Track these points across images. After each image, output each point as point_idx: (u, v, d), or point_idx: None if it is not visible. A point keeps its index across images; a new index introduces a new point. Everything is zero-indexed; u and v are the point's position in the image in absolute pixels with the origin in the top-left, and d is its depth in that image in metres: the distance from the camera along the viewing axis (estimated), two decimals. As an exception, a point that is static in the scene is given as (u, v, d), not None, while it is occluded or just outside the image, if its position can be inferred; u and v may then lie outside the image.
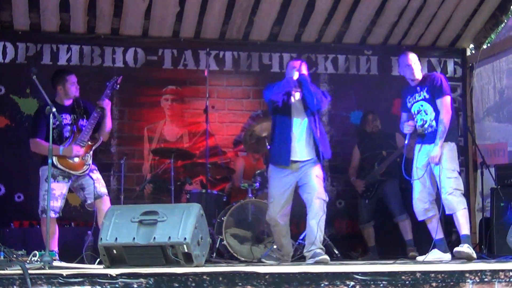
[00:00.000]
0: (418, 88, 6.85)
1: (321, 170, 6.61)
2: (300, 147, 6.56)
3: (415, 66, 6.87)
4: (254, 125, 7.93)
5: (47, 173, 6.31)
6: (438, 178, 6.65)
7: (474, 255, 6.54)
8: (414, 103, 6.87)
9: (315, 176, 6.50)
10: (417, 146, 6.85)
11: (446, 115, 6.62)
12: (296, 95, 6.64)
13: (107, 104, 6.76)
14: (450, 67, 9.62)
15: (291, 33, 9.12)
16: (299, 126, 6.60)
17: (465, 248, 6.49)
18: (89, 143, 6.74)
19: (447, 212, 6.67)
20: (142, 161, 8.83)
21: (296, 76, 6.59)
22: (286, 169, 6.56)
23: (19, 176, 8.39)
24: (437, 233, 6.75)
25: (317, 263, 6.24)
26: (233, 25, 8.91)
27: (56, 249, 6.52)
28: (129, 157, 8.53)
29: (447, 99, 6.69)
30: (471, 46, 9.96)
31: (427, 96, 6.76)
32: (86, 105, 6.91)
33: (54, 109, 5.45)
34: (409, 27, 9.26)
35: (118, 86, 6.91)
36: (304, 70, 6.69)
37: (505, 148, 8.90)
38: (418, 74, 6.87)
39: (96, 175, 6.79)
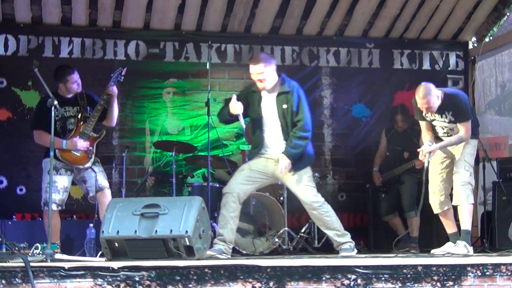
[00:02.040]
0: (436, 111, 6.60)
1: (308, 174, 6.40)
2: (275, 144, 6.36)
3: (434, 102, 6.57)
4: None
5: (48, 165, 6.38)
6: (456, 168, 6.61)
7: (471, 252, 6.57)
8: (434, 120, 6.68)
9: (304, 186, 6.29)
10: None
11: (466, 136, 6.60)
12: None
13: (114, 90, 6.76)
14: (452, 60, 9.60)
15: (292, 26, 9.10)
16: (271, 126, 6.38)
17: (461, 248, 6.50)
18: (93, 135, 6.73)
19: (454, 203, 6.67)
20: (144, 154, 8.83)
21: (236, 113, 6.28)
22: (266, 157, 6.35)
23: (21, 169, 8.40)
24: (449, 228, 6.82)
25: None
26: (235, 18, 8.90)
27: (58, 241, 6.53)
28: (131, 150, 8.54)
29: (469, 123, 6.63)
30: (473, 39, 9.95)
31: (452, 119, 6.61)
32: (91, 96, 6.90)
33: (55, 102, 5.44)
34: (411, 20, 9.24)
35: (122, 78, 6.93)
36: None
37: (506, 142, 8.90)
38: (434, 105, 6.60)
39: (98, 167, 6.79)
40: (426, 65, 9.43)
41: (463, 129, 6.61)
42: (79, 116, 6.76)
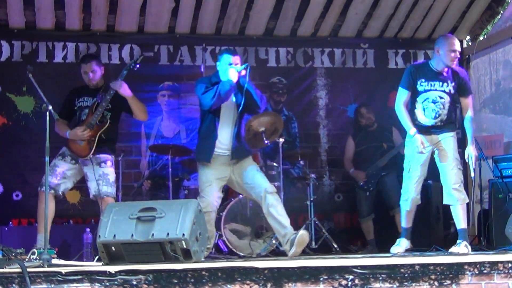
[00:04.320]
0: (441, 77, 6.70)
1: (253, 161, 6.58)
2: (227, 143, 6.45)
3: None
4: (251, 120, 7.89)
5: (59, 151, 6.69)
6: (446, 167, 6.64)
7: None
8: (430, 90, 6.70)
9: (256, 171, 6.43)
10: (421, 136, 6.74)
11: (472, 112, 6.81)
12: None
13: (119, 86, 6.67)
14: (447, 59, 9.59)
15: (287, 28, 9.10)
16: (227, 123, 6.49)
17: (462, 248, 6.51)
18: (98, 124, 6.67)
19: (452, 202, 6.70)
20: (140, 158, 8.82)
21: (235, 78, 6.37)
22: (217, 161, 6.45)
23: (17, 175, 8.39)
24: (410, 223, 6.86)
25: (299, 244, 6.18)
26: (229, 20, 8.89)
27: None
28: (127, 154, 8.49)
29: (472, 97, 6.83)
30: (468, 37, 9.96)
31: (452, 91, 6.68)
32: (109, 87, 6.84)
33: (50, 107, 5.43)
34: (405, 19, 9.25)
35: (137, 66, 6.85)
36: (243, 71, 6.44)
37: (501, 140, 8.91)
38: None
39: (105, 169, 6.70)
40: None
41: (470, 105, 6.76)
42: (92, 107, 6.74)
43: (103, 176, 6.66)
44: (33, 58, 8.53)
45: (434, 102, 6.71)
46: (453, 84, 6.70)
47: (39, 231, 6.50)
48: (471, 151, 6.74)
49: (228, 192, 8.31)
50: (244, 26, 9.02)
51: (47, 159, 5.33)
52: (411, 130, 6.65)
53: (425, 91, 6.71)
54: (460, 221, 6.70)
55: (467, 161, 6.76)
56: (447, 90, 6.69)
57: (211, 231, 6.42)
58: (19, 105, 8.49)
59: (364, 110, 8.63)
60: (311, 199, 8.03)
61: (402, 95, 6.77)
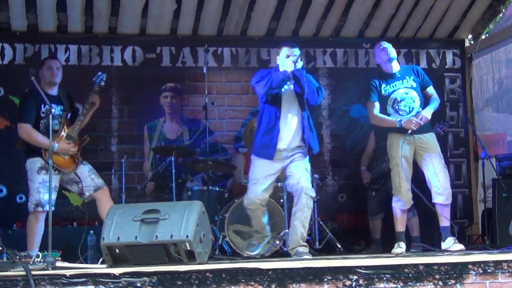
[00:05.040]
0: (397, 75, 6.91)
1: (309, 165, 6.52)
2: (287, 139, 6.44)
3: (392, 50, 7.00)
4: (254, 121, 7.90)
5: (36, 165, 6.33)
6: (434, 167, 6.71)
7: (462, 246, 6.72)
8: (394, 91, 6.89)
9: (305, 169, 6.39)
10: (400, 136, 6.83)
11: (439, 99, 7.01)
12: (289, 86, 6.50)
13: (97, 99, 6.57)
14: (449, 58, 9.60)
15: (288, 28, 9.11)
16: (289, 119, 6.46)
17: (456, 244, 6.59)
18: (80, 138, 6.54)
19: (445, 202, 6.82)
20: (143, 159, 8.83)
21: (290, 67, 6.39)
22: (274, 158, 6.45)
23: (20, 177, 8.29)
24: (403, 226, 7.02)
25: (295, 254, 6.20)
26: (231, 22, 8.90)
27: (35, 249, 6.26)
28: (130, 156, 8.52)
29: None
30: (470, 36, 9.95)
31: (414, 85, 6.84)
32: (72, 99, 6.74)
33: (53, 110, 5.43)
34: (406, 19, 9.25)
35: (103, 82, 6.68)
36: (300, 63, 6.47)
37: (504, 138, 8.90)
38: (395, 57, 7.03)
39: (88, 166, 6.59)
40: (423, 64, 9.41)
41: (434, 92, 6.95)
42: (65, 117, 6.55)
43: (91, 170, 6.59)
44: (36, 60, 8.50)
45: (402, 100, 6.86)
46: (412, 77, 6.90)
47: (33, 248, 6.27)
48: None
49: (232, 193, 8.34)
50: (246, 27, 9.03)
51: (50, 162, 5.33)
52: (395, 121, 6.81)
53: (389, 94, 6.90)
54: (444, 220, 6.84)
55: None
56: (409, 86, 6.88)
57: (261, 228, 6.57)
58: (22, 108, 8.48)
59: None
60: (315, 200, 8.00)
61: (371, 107, 7.02)
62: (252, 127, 7.85)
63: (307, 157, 6.53)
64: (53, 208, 6.23)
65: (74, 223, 8.17)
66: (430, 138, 6.84)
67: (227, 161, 8.73)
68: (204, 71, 7.96)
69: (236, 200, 7.71)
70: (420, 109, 6.83)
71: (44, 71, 6.58)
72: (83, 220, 8.06)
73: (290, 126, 6.46)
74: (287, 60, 6.44)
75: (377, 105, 6.95)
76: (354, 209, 8.97)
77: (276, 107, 6.45)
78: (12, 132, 8.42)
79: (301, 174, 6.35)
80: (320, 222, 8.04)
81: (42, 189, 6.12)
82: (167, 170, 8.35)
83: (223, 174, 8.80)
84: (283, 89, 6.48)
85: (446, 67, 9.55)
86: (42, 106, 6.41)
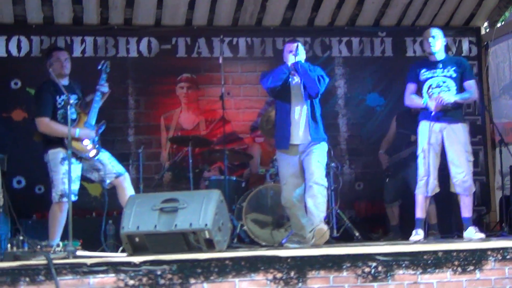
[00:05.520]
0: (440, 64, 6.87)
1: (323, 154, 6.61)
2: (299, 131, 6.58)
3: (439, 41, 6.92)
4: (270, 110, 7.92)
5: (59, 155, 6.36)
6: (455, 158, 6.70)
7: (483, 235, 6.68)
8: (432, 77, 6.86)
9: (316, 162, 6.50)
10: (428, 123, 6.83)
11: (476, 95, 6.96)
12: (295, 79, 6.65)
13: (109, 88, 6.62)
14: (465, 46, 9.56)
15: (304, 18, 9.10)
16: (298, 111, 6.61)
17: (477, 233, 6.60)
18: (98, 125, 6.59)
19: (464, 193, 6.78)
20: (160, 150, 8.86)
21: (291, 61, 6.60)
22: (290, 152, 6.59)
23: (38, 168, 8.31)
24: (423, 213, 6.89)
25: (317, 235, 6.27)
26: (246, 12, 8.90)
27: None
28: (147, 146, 8.54)
29: (475, 83, 6.96)
30: (485, 24, 9.89)
31: (454, 75, 6.79)
32: (80, 88, 6.77)
33: (72, 101, 5.46)
34: (422, 7, 9.21)
35: (108, 69, 6.70)
36: (301, 53, 6.67)
37: (521, 126, 8.88)
38: (440, 49, 6.92)
39: (106, 153, 6.64)
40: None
41: (473, 86, 6.85)
42: (80, 106, 6.59)
43: (111, 157, 6.64)
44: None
45: (438, 87, 6.82)
46: (454, 68, 6.83)
47: (55, 238, 6.31)
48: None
49: (249, 182, 8.36)
50: (261, 17, 9.03)
51: (69, 151, 5.37)
52: (421, 101, 6.84)
53: (427, 78, 6.87)
54: (465, 211, 6.81)
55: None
56: (448, 75, 6.81)
57: (300, 229, 6.63)
58: (40, 100, 8.53)
59: None
60: (332, 188, 8.03)
61: (407, 89, 7.06)
62: (268, 117, 7.88)
63: (324, 149, 6.61)
64: (76, 198, 6.40)
65: (93, 213, 8.22)
66: (457, 129, 6.79)
67: (243, 150, 8.75)
68: (220, 61, 7.97)
69: (253, 189, 7.74)
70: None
71: (53, 63, 6.57)
72: (102, 210, 8.16)
73: (300, 119, 6.60)
74: (289, 55, 6.66)
75: (411, 86, 6.98)
76: (371, 197, 8.96)
77: (286, 101, 6.65)
78: (30, 123, 8.46)
79: (312, 164, 6.49)
80: (338, 211, 8.06)
81: (66, 179, 6.07)
82: (184, 160, 8.39)
83: (240, 164, 8.82)
84: (291, 83, 6.65)
85: (462, 55, 9.48)
86: (58, 97, 6.46)
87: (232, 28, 9.05)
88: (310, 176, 6.45)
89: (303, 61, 6.63)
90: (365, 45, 9.35)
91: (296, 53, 6.59)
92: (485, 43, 9.52)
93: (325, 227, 6.36)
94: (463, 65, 6.91)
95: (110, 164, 6.58)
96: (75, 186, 6.40)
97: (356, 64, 9.30)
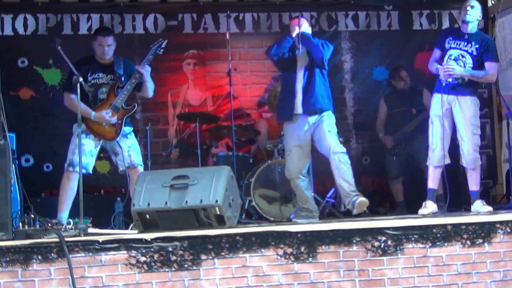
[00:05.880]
0: (466, 36, 6.86)
1: (332, 123, 6.68)
2: (305, 100, 6.63)
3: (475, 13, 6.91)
4: (278, 86, 7.91)
5: (77, 130, 6.34)
6: (461, 130, 6.73)
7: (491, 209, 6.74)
8: (455, 48, 6.87)
9: (328, 132, 6.57)
10: (439, 96, 6.86)
11: (491, 77, 6.97)
12: (300, 50, 6.69)
13: (146, 70, 6.62)
14: (472, 18, 9.50)
15: (310, -8, 9.06)
16: (304, 80, 6.67)
17: (485, 206, 6.66)
18: (124, 108, 6.60)
19: (468, 166, 6.83)
20: (167, 126, 8.87)
21: (295, 32, 6.68)
22: (295, 122, 6.65)
23: (46, 146, 8.46)
24: (434, 183, 6.95)
25: (358, 208, 6.39)
26: (252, -14, 8.87)
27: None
28: (154, 123, 8.56)
29: (496, 67, 7.00)
30: (492, -4, 9.85)
31: (474, 53, 6.79)
32: (130, 65, 6.82)
33: (81, 79, 5.47)
34: (429, -20, 9.17)
35: (162, 50, 6.80)
36: (305, 25, 6.78)
37: (528, 98, 8.85)
38: (473, 21, 6.90)
39: (131, 140, 6.68)
40: (446, 25, 9.32)
41: (490, 68, 6.85)
42: (113, 86, 6.63)
43: (132, 146, 6.66)
44: (58, 30, 8.57)
45: (455, 60, 6.83)
46: (477, 46, 6.80)
47: (64, 210, 6.41)
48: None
49: (256, 158, 8.38)
50: (267, -8, 9.00)
51: (79, 130, 5.40)
52: (435, 66, 6.92)
53: (450, 48, 6.88)
54: (472, 184, 6.87)
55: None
56: (469, 51, 6.80)
57: (305, 201, 6.69)
58: (46, 78, 8.55)
59: (404, 73, 8.53)
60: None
61: (433, 54, 7.08)
62: (276, 92, 7.87)
63: (332, 118, 6.68)
64: (86, 172, 6.44)
65: (101, 191, 8.26)
66: (465, 102, 6.80)
67: (251, 126, 8.76)
68: (227, 37, 7.96)
69: (261, 165, 7.76)
70: (466, 78, 6.80)
71: (96, 46, 6.70)
72: (110, 187, 8.23)
73: (305, 88, 6.64)
74: (293, 26, 6.79)
75: (436, 52, 7.00)
76: (378, 171, 8.97)
77: (291, 72, 6.72)
78: (37, 101, 8.53)
79: (325, 136, 6.56)
80: (345, 185, 8.05)
81: (77, 150, 6.03)
82: (191, 137, 8.40)
83: (247, 140, 8.82)
84: (296, 54, 6.71)
85: (469, 27, 9.45)
86: (89, 75, 6.55)
87: (238, 4, 9.01)
88: (327, 148, 6.54)
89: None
90: (371, 19, 9.30)
91: (300, 24, 6.67)
92: (492, 15, 9.46)
93: (366, 200, 6.44)
94: (488, 45, 6.88)
95: (127, 152, 6.59)
96: (85, 159, 6.36)
97: (363, 38, 9.25)
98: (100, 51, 6.67)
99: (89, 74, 6.57)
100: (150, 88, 6.82)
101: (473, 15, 6.86)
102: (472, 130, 6.77)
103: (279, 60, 6.75)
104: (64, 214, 6.35)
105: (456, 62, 6.81)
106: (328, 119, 6.66)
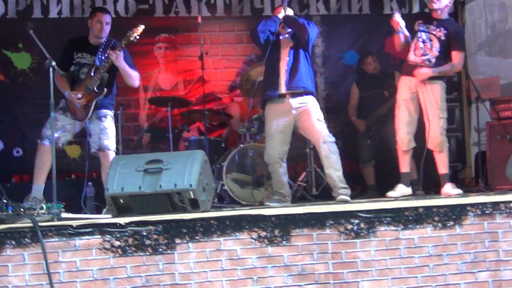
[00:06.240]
0: (435, 22, 6.94)
1: (318, 109, 6.70)
2: (289, 79, 6.64)
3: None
4: (250, 70, 7.94)
5: (60, 105, 6.59)
6: (428, 114, 6.81)
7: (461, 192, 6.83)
8: (424, 31, 6.96)
9: (317, 120, 6.60)
10: (407, 79, 6.94)
11: (458, 67, 7.07)
12: (285, 32, 6.76)
13: (116, 56, 6.52)
14: (442, 2, 9.56)
15: (281, -25, 9.04)
16: (289, 60, 6.67)
17: (454, 189, 6.76)
18: (95, 91, 6.55)
19: (435, 149, 6.91)
20: (139, 111, 8.83)
21: (281, 14, 6.72)
22: (280, 107, 6.64)
23: (16, 131, 8.40)
24: (404, 167, 7.04)
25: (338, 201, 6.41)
26: (223, -30, 8.84)
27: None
28: (125, 107, 8.49)
29: (463, 55, 7.09)
30: (462, -20, 9.92)
31: (443, 37, 6.87)
32: (115, 46, 6.72)
33: (53, 63, 5.43)
34: (400, -37, 9.21)
35: (137, 37, 6.66)
36: (289, 10, 6.86)
37: (497, 82, 8.94)
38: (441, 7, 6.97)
39: (106, 123, 6.65)
40: (416, 9, 9.38)
41: (457, 57, 6.92)
42: (91, 67, 6.63)
43: (104, 130, 6.63)
44: (28, 14, 8.46)
45: (423, 42, 6.92)
46: (446, 32, 6.89)
47: (37, 182, 6.52)
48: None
49: (228, 142, 8.39)
50: (238, -24, 8.97)
51: (52, 114, 5.37)
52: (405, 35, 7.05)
53: (419, 31, 6.98)
54: (441, 167, 6.94)
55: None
56: (437, 35, 6.89)
57: (280, 186, 6.70)
58: (15, 62, 8.46)
59: (371, 59, 8.58)
60: (311, 147, 8.05)
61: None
62: (248, 77, 7.90)
63: (317, 104, 6.73)
64: (57, 145, 6.45)
65: (72, 175, 8.22)
66: (431, 86, 6.87)
67: (223, 110, 8.76)
68: (199, 21, 7.94)
69: (233, 149, 7.77)
70: (434, 60, 6.86)
71: (94, 23, 6.68)
72: (81, 172, 8.18)
73: (289, 68, 6.66)
74: (280, 11, 6.82)
75: (401, 35, 7.06)
76: (349, 155, 8.96)
77: (276, 52, 6.70)
78: (7, 86, 8.44)
79: (314, 125, 6.60)
80: (317, 169, 8.09)
81: (48, 124, 6.18)
82: (163, 121, 8.38)
83: (219, 124, 8.83)
84: (281, 36, 6.74)
85: (439, 11, 9.50)
86: (75, 55, 6.66)
87: (210, -13, 8.99)
88: (317, 137, 6.59)
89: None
90: (342, 3, 9.31)
91: (285, 7, 6.74)
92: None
93: (347, 199, 6.47)
94: (456, 34, 6.99)
95: (98, 135, 6.60)
96: (56, 134, 6.28)
97: (334, 22, 9.27)
98: (98, 28, 6.67)
99: (75, 53, 6.67)
100: (127, 75, 6.74)
101: (439, 3, 6.92)
102: (439, 114, 6.85)
103: (265, 42, 6.71)
104: (36, 186, 6.49)
105: (423, 45, 6.88)
106: (314, 106, 6.67)
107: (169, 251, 4.63)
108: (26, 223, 4.64)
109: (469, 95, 9.34)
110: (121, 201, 5.08)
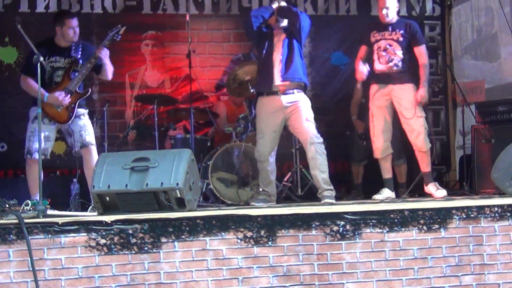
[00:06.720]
0: (389, 27, 6.97)
1: (309, 109, 6.70)
2: (285, 70, 6.64)
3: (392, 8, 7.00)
4: (237, 69, 7.93)
5: (33, 114, 6.43)
6: (406, 118, 6.86)
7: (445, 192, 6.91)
8: (381, 39, 6.99)
9: (305, 120, 6.60)
10: (377, 87, 6.99)
11: (427, 62, 7.06)
12: (279, 23, 6.76)
13: (105, 53, 6.57)
14: (429, 5, 9.61)
15: (270, -25, 9.04)
16: (283, 52, 6.67)
17: (439, 191, 6.84)
18: (78, 92, 6.55)
19: (421, 149, 6.99)
20: (125, 108, 8.83)
21: (275, 5, 6.74)
22: (272, 105, 6.63)
23: (1, 126, 8.36)
24: (386, 173, 7.16)
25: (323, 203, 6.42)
26: (212, -32, 8.83)
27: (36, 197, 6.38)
28: (112, 104, 8.49)
29: (425, 48, 7.08)
30: (449, -16, 9.96)
31: (401, 38, 6.91)
32: (88, 47, 6.77)
33: (41, 58, 5.40)
34: (387, -34, 9.20)
35: (119, 37, 6.74)
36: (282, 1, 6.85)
37: (482, 86, 9.00)
38: (393, 16, 7.02)
39: (84, 121, 6.64)
40: (403, 11, 9.38)
41: (421, 53, 6.99)
42: (69, 69, 6.59)
43: (84, 127, 6.61)
44: (15, 8, 8.43)
45: (385, 50, 6.97)
46: (402, 31, 6.94)
47: (33, 194, 6.38)
48: (420, 94, 6.89)
49: (214, 141, 8.38)
50: (227, -26, 8.96)
51: (39, 110, 5.33)
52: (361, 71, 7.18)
53: (376, 41, 7.02)
54: (424, 166, 7.02)
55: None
56: (395, 38, 6.94)
57: (267, 184, 6.74)
58: (2, 56, 8.43)
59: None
60: (296, 147, 8.08)
61: (359, 51, 7.29)
62: (235, 75, 7.89)
63: (308, 103, 6.74)
64: (46, 157, 6.47)
65: (57, 172, 8.19)
66: (403, 89, 6.92)
67: (209, 109, 8.74)
68: (187, 18, 7.93)
69: (219, 148, 7.77)
70: (400, 64, 6.89)
71: (66, 30, 6.60)
72: (66, 168, 8.15)
73: (282, 61, 6.65)
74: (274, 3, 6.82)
75: (361, 50, 7.17)
76: (334, 156, 8.97)
77: (269, 45, 6.72)
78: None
79: (303, 124, 6.61)
80: (302, 169, 8.11)
81: (33, 137, 6.21)
82: (149, 119, 8.36)
83: (205, 122, 8.82)
84: (275, 27, 6.76)
85: (426, 14, 9.56)
86: (47, 58, 6.45)
87: (198, -15, 8.98)
88: (305, 137, 6.60)
89: None
90: (330, 3, 9.34)
91: (279, 1, 6.75)
92: (449, 2, 9.58)
93: (332, 201, 6.48)
94: (412, 29, 7.01)
95: (79, 132, 6.57)
96: (43, 145, 6.26)
97: (321, 23, 9.28)
98: (71, 34, 6.61)
99: (46, 57, 6.45)
100: (109, 71, 6.77)
101: (390, 11, 6.96)
102: (416, 114, 6.88)
103: (257, 30, 6.73)
104: (35, 196, 6.30)
105: (385, 53, 6.91)
106: (305, 105, 6.68)
107: (154, 250, 4.61)
108: (11, 220, 4.60)
109: (454, 98, 9.39)
110: (107, 198, 5.06)
